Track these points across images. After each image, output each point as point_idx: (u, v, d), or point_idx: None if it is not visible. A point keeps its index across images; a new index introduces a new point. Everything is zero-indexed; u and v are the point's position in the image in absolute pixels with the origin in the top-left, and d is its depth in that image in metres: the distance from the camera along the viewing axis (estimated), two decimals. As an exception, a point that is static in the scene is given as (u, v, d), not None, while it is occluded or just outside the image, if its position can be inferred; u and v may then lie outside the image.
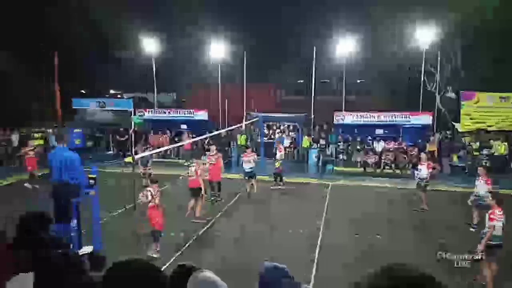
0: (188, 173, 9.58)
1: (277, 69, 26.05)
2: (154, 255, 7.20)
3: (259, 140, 17.49)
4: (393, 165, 15.85)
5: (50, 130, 18.16)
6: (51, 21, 21.72)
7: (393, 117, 17.50)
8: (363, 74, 25.01)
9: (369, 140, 17.62)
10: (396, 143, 16.84)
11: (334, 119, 18.26)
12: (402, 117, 17.39)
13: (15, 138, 17.18)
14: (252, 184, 11.76)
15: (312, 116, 19.96)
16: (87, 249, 6.00)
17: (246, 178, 11.80)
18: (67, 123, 20.14)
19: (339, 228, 9.11)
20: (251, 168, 11.65)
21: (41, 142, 17.37)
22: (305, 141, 17.38)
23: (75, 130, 19.41)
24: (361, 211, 10.29)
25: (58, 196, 5.88)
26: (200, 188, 9.32)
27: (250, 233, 8.74)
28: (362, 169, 16.05)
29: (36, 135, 17.70)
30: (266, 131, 18.92)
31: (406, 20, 18.78)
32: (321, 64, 21.11)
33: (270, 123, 19.88)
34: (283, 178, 13.03)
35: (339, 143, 17.71)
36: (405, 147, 16.50)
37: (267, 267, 1.85)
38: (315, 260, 7.28)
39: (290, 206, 11.01)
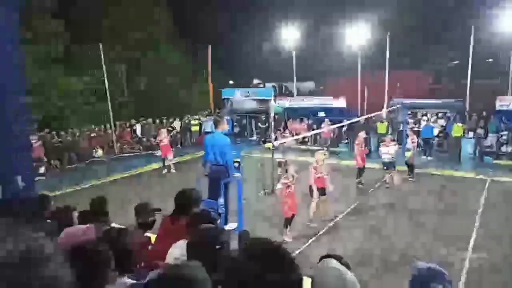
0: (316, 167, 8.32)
1: (424, 53, 23.64)
2: (287, 239, 7.41)
3: (401, 129, 16.26)
4: None
5: (205, 118, 20.40)
6: (204, 17, 24.35)
7: None
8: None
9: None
10: None
11: (496, 105, 15.58)
12: None
13: (177, 124, 20.03)
14: (391, 175, 11.11)
15: (467, 102, 17.46)
16: (232, 226, 6.65)
17: (385, 168, 11.21)
18: (220, 111, 22.45)
19: (496, 235, 7.65)
20: (390, 158, 10.99)
21: (197, 128, 19.91)
22: (457, 129, 15.32)
23: (225, 118, 21.47)
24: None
25: (211, 175, 6.64)
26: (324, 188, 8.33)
27: (388, 225, 8.27)
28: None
29: (193, 121, 20.26)
30: (411, 120, 17.46)
31: None
32: (479, 44, 18.17)
33: (416, 110, 18.22)
34: (414, 170, 11.95)
35: (501, 133, 15.09)
36: None
37: (421, 268, 1.72)
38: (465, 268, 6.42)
39: (434, 201, 9.93)
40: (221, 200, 6.33)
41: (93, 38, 18.93)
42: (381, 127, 16.52)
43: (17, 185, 2.36)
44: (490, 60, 24.06)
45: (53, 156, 14.69)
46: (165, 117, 20.35)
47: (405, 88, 21.18)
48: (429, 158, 14.86)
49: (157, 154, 15.15)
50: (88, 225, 3.17)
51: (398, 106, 16.55)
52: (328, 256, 1.81)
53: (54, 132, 15.74)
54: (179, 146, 18.40)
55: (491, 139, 15.10)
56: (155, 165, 14.69)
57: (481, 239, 7.43)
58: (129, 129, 18.80)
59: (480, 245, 7.15)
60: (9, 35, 2.33)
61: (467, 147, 15.36)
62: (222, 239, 2.26)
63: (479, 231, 7.86)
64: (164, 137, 13.77)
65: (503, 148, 14.84)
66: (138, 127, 19.13)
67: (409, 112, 17.46)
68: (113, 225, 3.95)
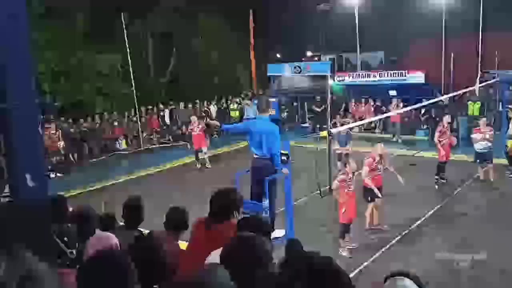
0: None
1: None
2: (343, 254, 7.34)
3: (500, 109, 15.44)
4: None
5: (247, 102, 20.40)
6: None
7: None
8: None
9: None
10: None
11: None
12: None
13: (213, 109, 20.38)
14: (487, 169, 10.62)
15: None
16: (279, 233, 6.72)
17: (478, 161, 10.73)
18: (265, 91, 22.49)
19: None
20: (485, 148, 10.49)
21: (237, 113, 20.07)
22: None
23: (270, 100, 21.50)
24: None
25: (253, 171, 6.71)
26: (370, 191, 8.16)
27: (480, 236, 7.93)
28: None
29: (231, 105, 20.47)
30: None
31: None
32: None
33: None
34: None
35: None
36: None
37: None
38: None
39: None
40: (266, 202, 6.39)
41: (115, 8, 19.52)
42: (473, 108, 15.80)
43: (26, 185, 2.53)
44: None
45: (71, 148, 15.57)
46: (198, 100, 20.75)
47: (505, 56, 19.98)
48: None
49: (188, 147, 15.54)
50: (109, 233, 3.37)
51: (495, 80, 15.70)
52: (399, 274, 1.80)
53: (71, 120, 16.61)
54: (215, 135, 18.77)
55: None
56: (187, 159, 15.12)
57: None
58: (156, 116, 19.43)
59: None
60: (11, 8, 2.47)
61: None
62: (265, 251, 2.28)
63: None
64: (195, 125, 14.09)
65: None
66: (166, 113, 19.72)
67: (511, 88, 16.50)
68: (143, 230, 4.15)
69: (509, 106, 14.84)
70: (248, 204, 6.01)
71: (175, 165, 14.88)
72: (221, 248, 2.70)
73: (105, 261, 2.03)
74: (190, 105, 20.26)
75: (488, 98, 16.85)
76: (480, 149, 10.61)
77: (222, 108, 20.74)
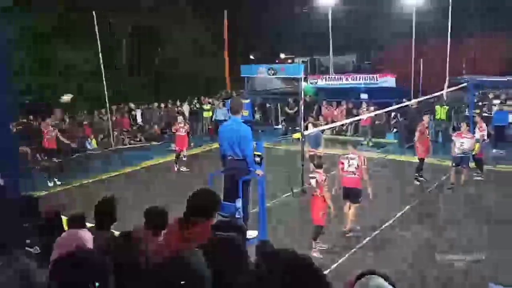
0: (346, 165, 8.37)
1: (500, 14, 22.74)
2: (314, 255, 7.38)
3: (467, 114, 15.92)
4: None
5: (218, 102, 20.29)
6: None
7: None
8: None
9: None
10: None
11: None
12: None
13: (186, 108, 20.26)
14: (459, 173, 10.92)
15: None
16: (252, 234, 6.74)
17: (454, 164, 10.99)
18: (238, 92, 22.46)
19: None
20: (463, 153, 10.79)
21: (209, 114, 20.00)
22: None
23: (244, 101, 21.51)
24: None
25: (227, 172, 6.72)
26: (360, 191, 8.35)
27: (449, 237, 8.18)
28: None
29: (204, 106, 20.39)
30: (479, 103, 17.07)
31: None
32: None
33: (487, 90, 17.72)
34: (483, 166, 11.74)
35: None
36: None
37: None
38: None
39: (508, 207, 9.68)
40: (239, 203, 6.41)
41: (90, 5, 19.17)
42: (441, 112, 16.22)
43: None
44: None
45: (38, 148, 15.17)
46: (171, 100, 20.60)
47: (472, 62, 20.65)
48: (501, 151, 14.50)
49: (173, 148, 15.02)
50: (83, 230, 3.33)
51: (463, 84, 16.17)
52: (370, 273, 1.85)
53: (40, 119, 16.18)
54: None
55: None
56: (160, 159, 14.99)
57: None
58: (127, 116, 19.18)
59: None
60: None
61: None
62: (243, 251, 2.32)
63: None
64: (181, 126, 13.80)
65: None
66: (138, 113, 19.49)
67: (477, 93, 17.02)
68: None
69: (476, 111, 15.36)
70: (222, 205, 6.03)
71: (147, 165, 14.72)
72: (199, 249, 2.73)
73: (78, 260, 2.03)
74: (163, 105, 20.11)
75: (456, 102, 17.31)
76: (458, 153, 10.84)
77: (195, 108, 20.62)
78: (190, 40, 25.60)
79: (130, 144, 17.97)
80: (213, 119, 19.47)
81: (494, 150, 14.27)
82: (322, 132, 12.95)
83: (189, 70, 25.36)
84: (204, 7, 25.40)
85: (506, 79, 17.75)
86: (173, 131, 14.54)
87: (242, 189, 6.44)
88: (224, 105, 18.85)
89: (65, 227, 4.51)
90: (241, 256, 2.27)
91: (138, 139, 18.44)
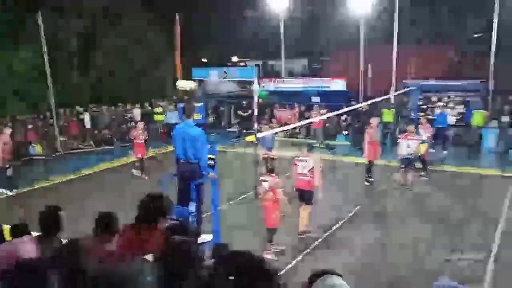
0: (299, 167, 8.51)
1: (442, 22, 23.95)
2: (268, 257, 7.41)
3: (412, 117, 16.58)
4: None
5: (170, 107, 19.99)
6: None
7: None
8: None
9: None
10: None
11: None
12: None
13: (137, 113, 19.82)
14: (406, 174, 11.35)
15: (491, 83, 17.85)
16: (206, 238, 6.70)
17: (401, 166, 11.42)
18: (189, 95, 22.24)
19: None
20: (410, 154, 11.19)
21: (162, 117, 19.70)
22: (477, 117, 15.75)
23: (196, 104, 21.34)
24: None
25: (180, 175, 6.65)
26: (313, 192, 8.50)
27: (397, 235, 8.49)
28: None
29: (157, 109, 20.05)
30: (423, 106, 17.83)
31: None
32: (509, 10, 18.50)
33: (430, 94, 18.55)
34: (427, 166, 12.33)
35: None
36: None
37: (441, 286, 1.84)
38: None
39: (450, 205, 10.16)
40: (193, 206, 6.35)
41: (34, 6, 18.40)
42: (387, 115, 16.78)
43: None
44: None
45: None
46: (121, 104, 20.13)
47: (417, 67, 21.51)
48: (444, 152, 15.18)
49: (132, 155, 14.18)
50: (26, 239, 3.18)
51: (408, 89, 16.82)
52: (324, 273, 1.87)
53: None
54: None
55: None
56: (108, 164, 14.61)
57: (505, 250, 7.69)
58: (76, 119, 18.53)
59: (503, 257, 7.41)
60: None
61: (490, 138, 15.75)
62: (197, 255, 2.31)
63: (502, 240, 8.14)
64: (141, 132, 13.31)
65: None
66: (87, 117, 18.86)
67: (421, 97, 17.78)
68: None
69: (420, 113, 16.03)
70: (175, 209, 5.95)
71: (97, 170, 14.28)
72: (152, 254, 2.68)
73: (21, 271, 1.94)
74: (113, 108, 19.59)
75: (402, 106, 17.98)
76: (405, 154, 11.22)
77: (146, 111, 20.23)
78: (141, 42, 25.08)
79: (79, 149, 17.37)
80: (164, 122, 19.19)
81: (435, 151, 14.72)
82: (275, 135, 13.08)
83: (140, 73, 24.88)
84: (156, 9, 25.01)
85: (448, 83, 18.65)
86: (132, 137, 13.88)
87: (195, 192, 6.39)
88: (176, 108, 18.61)
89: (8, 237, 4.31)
90: (195, 260, 2.25)
91: (86, 144, 17.86)
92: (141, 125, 13.69)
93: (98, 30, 23.74)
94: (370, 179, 11.72)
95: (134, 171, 13.46)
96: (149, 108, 20.60)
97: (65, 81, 21.53)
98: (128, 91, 22.79)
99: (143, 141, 13.35)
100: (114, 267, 3.05)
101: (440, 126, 15.49)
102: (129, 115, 19.78)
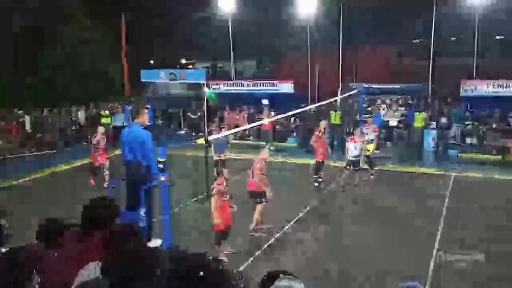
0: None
1: (384, 28, 24.87)
2: (222, 258, 7.40)
3: (358, 118, 17.11)
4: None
5: (118, 109, 19.57)
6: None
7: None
8: (505, 27, 22.57)
9: (510, 117, 16.14)
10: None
11: (461, 90, 16.99)
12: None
13: (81, 115, 19.16)
14: (353, 174, 11.70)
15: (430, 86, 18.78)
16: (156, 242, 6.59)
17: (349, 167, 11.73)
18: (136, 98, 21.79)
19: (462, 241, 8.35)
20: (357, 156, 11.55)
21: (109, 120, 19.11)
22: (419, 119, 16.52)
23: (144, 107, 20.94)
24: (496, 216, 9.59)
25: (128, 179, 6.50)
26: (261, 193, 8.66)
27: (346, 233, 8.73)
28: (499, 157, 14.89)
29: (103, 112, 19.44)
30: (368, 107, 18.43)
31: None
32: (445, 17, 19.57)
33: (374, 96, 19.24)
34: (373, 166, 12.80)
35: (467, 122, 16.53)
36: None
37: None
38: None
39: (393, 202, 10.62)
40: (143, 211, 6.23)
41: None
42: (335, 117, 17.21)
43: None
44: (455, 38, 26.02)
45: None
46: (64, 107, 19.39)
47: (363, 69, 22.23)
48: (376, 151, 15.65)
49: (92, 162, 12.95)
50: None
51: (355, 91, 17.32)
52: (276, 273, 1.90)
53: None
54: (85, 143, 17.45)
55: (456, 130, 16.46)
56: (52, 169, 14.06)
57: (446, 244, 8.10)
58: (15, 123, 17.64)
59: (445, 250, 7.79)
60: None
61: (429, 139, 16.53)
62: (147, 261, 2.27)
63: (444, 234, 8.58)
64: (102, 138, 12.36)
65: (468, 140, 16.24)
66: (27, 120, 17.99)
67: (366, 99, 18.36)
68: None
69: (366, 115, 16.54)
70: (125, 214, 5.81)
71: (40, 175, 13.65)
72: (98, 261, 2.60)
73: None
74: (55, 110, 18.82)
75: (348, 108, 18.51)
76: (353, 156, 11.54)
77: (92, 114, 19.57)
78: (86, 43, 24.27)
79: (19, 154, 16.52)
80: (111, 126, 18.62)
81: (376, 151, 15.11)
82: (226, 137, 13.07)
83: (85, 74, 24.03)
84: (102, 10, 24.29)
85: (390, 87, 19.42)
86: (93, 143, 12.65)
87: (145, 196, 6.27)
88: (123, 110, 18.17)
89: None
90: (144, 263, 2.22)
91: (27, 148, 17.03)
92: (101, 129, 12.81)
93: (39, 30, 22.73)
94: (320, 180, 11.98)
95: (92, 181, 12.39)
96: (94, 110, 19.94)
97: (2, 83, 20.49)
98: (74, 93, 21.96)
99: (104, 146, 12.47)
100: (61, 279, 2.95)
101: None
102: (73, 118, 19.07)
